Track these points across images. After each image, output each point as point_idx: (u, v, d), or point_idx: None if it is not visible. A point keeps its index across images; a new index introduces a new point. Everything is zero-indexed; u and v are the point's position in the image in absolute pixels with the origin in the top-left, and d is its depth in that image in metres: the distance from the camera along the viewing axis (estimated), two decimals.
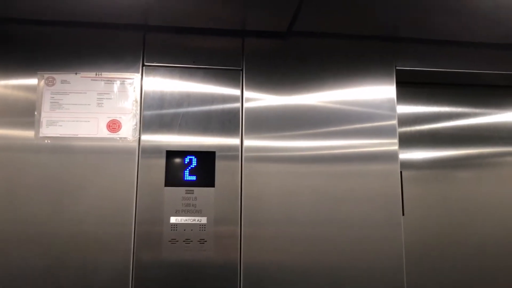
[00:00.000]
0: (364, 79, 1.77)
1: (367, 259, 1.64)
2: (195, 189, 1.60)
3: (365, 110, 1.74)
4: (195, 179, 1.61)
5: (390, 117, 1.75)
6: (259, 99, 1.70)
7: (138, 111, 1.63)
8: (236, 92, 1.69)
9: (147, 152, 1.61)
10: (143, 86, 1.66)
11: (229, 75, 1.69)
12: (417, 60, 1.84)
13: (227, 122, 1.66)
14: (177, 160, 1.62)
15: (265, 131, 1.67)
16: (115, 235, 1.54)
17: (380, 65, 1.79)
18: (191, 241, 1.57)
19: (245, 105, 1.68)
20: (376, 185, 1.69)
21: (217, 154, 1.63)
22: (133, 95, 1.64)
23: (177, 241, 1.57)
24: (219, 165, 1.62)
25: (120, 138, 1.60)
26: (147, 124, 1.63)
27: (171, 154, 1.62)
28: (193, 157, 1.62)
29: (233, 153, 1.64)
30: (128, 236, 1.55)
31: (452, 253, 1.91)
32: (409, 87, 1.97)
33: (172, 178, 1.60)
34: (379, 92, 1.77)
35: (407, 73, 1.85)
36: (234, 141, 1.64)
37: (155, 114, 1.63)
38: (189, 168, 1.61)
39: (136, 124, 1.62)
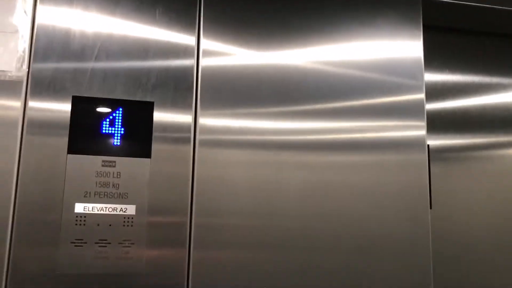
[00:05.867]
0: (380, 21, 1.21)
1: (382, 262, 1.10)
2: (119, 160, 1.00)
3: (379, 76, 1.17)
4: (119, 144, 1.00)
5: (415, 89, 1.19)
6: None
7: (29, 29, 1.00)
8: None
9: (39, 94, 0.99)
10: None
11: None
12: None
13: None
14: (91, 112, 1.00)
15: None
16: None
17: None
18: (109, 243, 0.97)
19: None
20: (394, 180, 1.15)
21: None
22: (21, 4, 1.00)
23: (85, 242, 0.96)
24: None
25: None
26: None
27: (81, 101, 1.00)
28: (118, 108, 1.01)
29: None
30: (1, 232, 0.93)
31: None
32: (436, 39, 1.44)
33: (81, 141, 0.98)
34: (400, 46, 1.21)
35: (437, 9, 1.31)
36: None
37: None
38: (111, 126, 1.00)
39: (24, 51, 0.99)
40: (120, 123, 1.00)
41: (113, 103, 1.01)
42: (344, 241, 1.09)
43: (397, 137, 1.17)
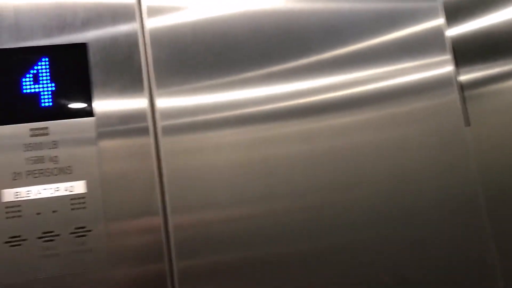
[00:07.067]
0: None
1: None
2: (52, 124, 0.75)
3: (384, 5, 0.90)
4: (49, 104, 0.76)
5: (430, 12, 0.93)
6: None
7: None
8: None
9: None
10: None
11: None
12: None
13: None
14: (7, 69, 0.75)
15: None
16: None
17: None
18: (58, 235, 0.73)
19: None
20: (423, 131, 0.89)
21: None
22: None
23: (25, 239, 0.72)
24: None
25: None
26: None
27: None
28: (43, 58, 0.76)
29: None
30: None
31: None
32: None
33: None
34: None
35: None
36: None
37: None
38: (35, 83, 0.76)
39: None
40: (47, 77, 0.75)
41: (35, 52, 0.76)
42: (378, 212, 0.85)
43: (418, 80, 0.90)
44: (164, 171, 0.78)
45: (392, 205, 0.86)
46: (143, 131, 0.78)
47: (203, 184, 0.79)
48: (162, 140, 0.79)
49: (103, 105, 0.77)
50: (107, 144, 0.76)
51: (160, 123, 0.79)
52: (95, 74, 0.77)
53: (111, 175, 0.75)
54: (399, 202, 0.86)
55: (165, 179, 0.78)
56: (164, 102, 0.80)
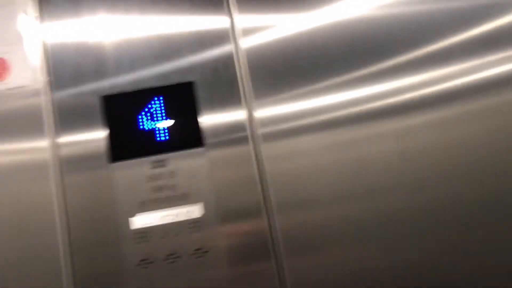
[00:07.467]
0: None
1: None
2: (169, 156, 0.83)
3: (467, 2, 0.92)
4: (165, 139, 0.84)
5: None
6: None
7: (40, 49, 0.87)
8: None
9: (66, 104, 0.85)
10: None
11: None
12: None
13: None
14: (127, 109, 0.85)
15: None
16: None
17: None
18: (179, 256, 0.80)
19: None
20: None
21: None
22: (25, 9, 0.88)
23: (152, 261, 0.80)
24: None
25: (10, 88, 0.84)
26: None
27: (113, 100, 0.85)
28: (157, 97, 0.85)
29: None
30: (56, 276, 0.79)
31: None
32: None
33: (123, 145, 0.83)
34: None
35: None
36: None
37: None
38: (151, 120, 0.84)
39: (41, 59, 0.85)
40: (161, 114, 0.84)
41: (149, 93, 0.85)
42: (479, 208, 0.85)
43: (507, 71, 0.89)
44: (267, 175, 0.84)
45: (493, 202, 0.85)
46: (246, 141, 0.85)
47: (304, 185, 0.84)
48: (263, 147, 0.85)
49: (209, 120, 0.85)
50: (216, 162, 0.83)
51: (259, 131, 0.85)
52: (201, 99, 0.85)
53: (223, 192, 0.82)
54: (501, 198, 0.86)
55: (269, 183, 0.84)
56: (262, 112, 0.86)
